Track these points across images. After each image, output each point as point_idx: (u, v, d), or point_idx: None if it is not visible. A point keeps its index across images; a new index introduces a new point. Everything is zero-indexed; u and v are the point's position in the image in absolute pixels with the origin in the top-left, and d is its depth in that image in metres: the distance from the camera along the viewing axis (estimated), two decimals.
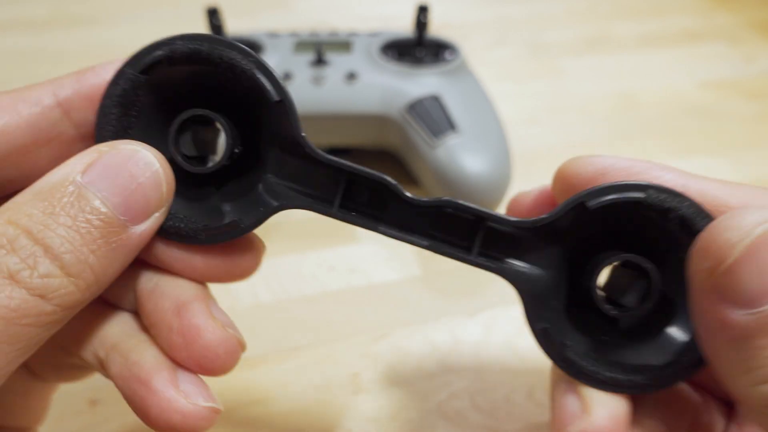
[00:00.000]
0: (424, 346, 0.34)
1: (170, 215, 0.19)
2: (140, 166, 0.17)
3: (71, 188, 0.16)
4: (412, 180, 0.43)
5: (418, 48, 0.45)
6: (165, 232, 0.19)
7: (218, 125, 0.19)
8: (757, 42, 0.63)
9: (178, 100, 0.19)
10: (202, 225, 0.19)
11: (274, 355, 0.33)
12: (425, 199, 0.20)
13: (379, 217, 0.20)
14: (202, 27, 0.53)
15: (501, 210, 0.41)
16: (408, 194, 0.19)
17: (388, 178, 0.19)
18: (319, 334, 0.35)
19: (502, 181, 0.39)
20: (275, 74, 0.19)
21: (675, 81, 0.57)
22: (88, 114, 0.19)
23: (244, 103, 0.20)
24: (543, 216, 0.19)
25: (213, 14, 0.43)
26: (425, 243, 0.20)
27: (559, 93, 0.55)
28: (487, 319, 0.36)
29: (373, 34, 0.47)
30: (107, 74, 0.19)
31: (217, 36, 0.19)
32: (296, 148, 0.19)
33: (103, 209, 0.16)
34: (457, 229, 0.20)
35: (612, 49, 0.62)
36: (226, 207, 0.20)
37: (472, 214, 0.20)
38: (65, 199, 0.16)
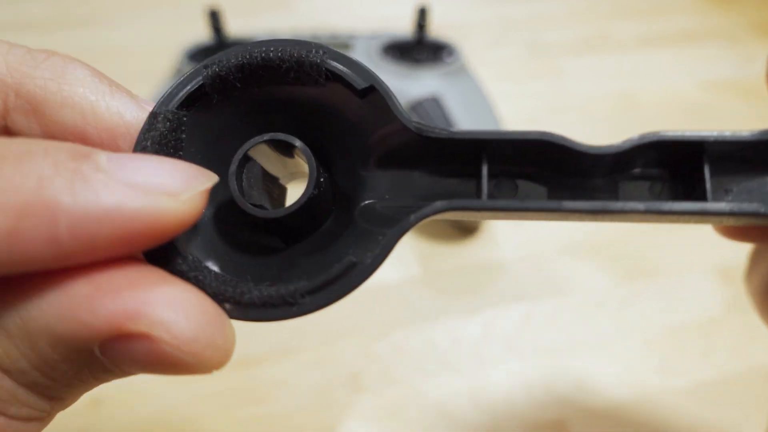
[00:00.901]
0: (423, 346, 0.34)
1: (237, 280, 0.14)
2: None
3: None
4: None
5: (418, 49, 0.45)
6: (244, 309, 0.14)
7: (296, 151, 0.15)
8: (757, 42, 0.63)
9: (233, 133, 0.16)
10: (300, 284, 0.14)
11: (275, 355, 0.33)
12: (611, 144, 0.15)
13: (554, 191, 0.15)
14: (202, 27, 0.53)
15: None
16: (584, 145, 0.15)
17: (550, 133, 0.15)
18: (319, 333, 0.35)
19: None
20: (354, 59, 0.15)
21: (675, 81, 0.57)
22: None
23: (317, 118, 0.16)
24: None
25: (214, 16, 0.43)
26: (641, 207, 0.14)
27: (559, 93, 0.55)
28: (486, 318, 0.36)
29: (373, 36, 0.47)
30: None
31: (265, 39, 0.15)
32: (405, 141, 0.15)
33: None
34: (667, 180, 0.15)
35: (612, 49, 0.62)
36: (317, 255, 0.16)
37: (689, 143, 0.15)
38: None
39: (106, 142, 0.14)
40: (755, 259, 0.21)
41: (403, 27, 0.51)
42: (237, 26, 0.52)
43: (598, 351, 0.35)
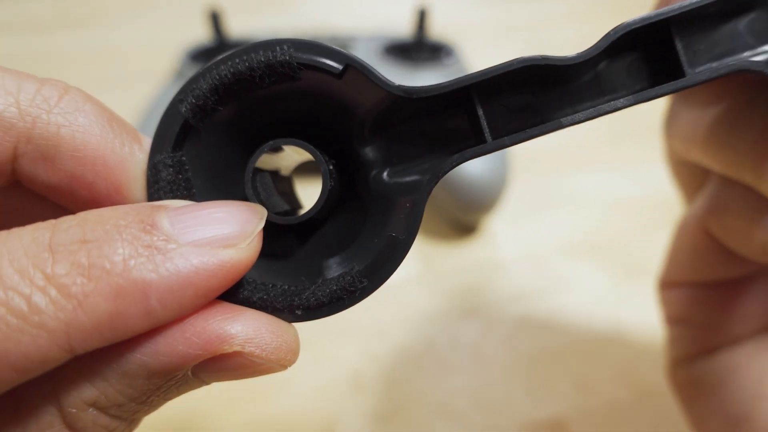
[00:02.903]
0: (423, 345, 0.35)
1: (295, 285, 0.15)
2: None
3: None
4: None
5: (418, 50, 0.46)
6: (314, 311, 0.15)
7: (295, 149, 0.16)
8: None
9: (231, 149, 0.16)
10: (354, 270, 0.15)
11: None
12: (589, 48, 0.15)
13: (552, 110, 0.16)
14: (203, 27, 0.53)
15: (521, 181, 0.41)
16: (565, 57, 0.15)
17: (528, 57, 0.15)
18: (319, 332, 0.35)
19: (500, 181, 0.39)
20: (323, 44, 0.15)
21: None
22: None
23: (303, 106, 0.16)
24: None
25: (215, 17, 0.43)
26: (631, 100, 0.15)
27: None
28: (486, 318, 0.36)
29: (373, 37, 0.47)
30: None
31: (227, 52, 0.15)
32: (395, 106, 0.16)
33: None
34: (641, 58, 0.16)
35: None
36: (339, 244, 0.17)
37: (652, 24, 0.15)
38: None
39: (113, 194, 0.15)
40: (680, 104, 0.21)
41: (403, 28, 0.51)
42: (237, 26, 0.52)
43: (598, 350, 0.35)
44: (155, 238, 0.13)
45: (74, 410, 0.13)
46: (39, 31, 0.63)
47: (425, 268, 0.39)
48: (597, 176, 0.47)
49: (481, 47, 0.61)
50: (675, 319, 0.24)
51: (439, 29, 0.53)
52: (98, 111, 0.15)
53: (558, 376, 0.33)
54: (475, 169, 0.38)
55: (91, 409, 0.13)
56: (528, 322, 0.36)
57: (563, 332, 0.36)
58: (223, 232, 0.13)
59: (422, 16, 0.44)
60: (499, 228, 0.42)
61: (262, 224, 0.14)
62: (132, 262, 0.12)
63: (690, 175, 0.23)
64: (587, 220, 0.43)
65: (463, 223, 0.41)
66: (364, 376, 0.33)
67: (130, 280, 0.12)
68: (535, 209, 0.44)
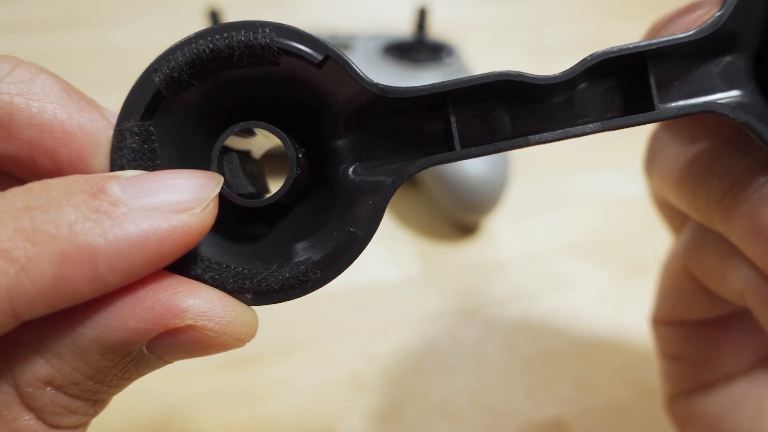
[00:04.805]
0: (423, 345, 0.34)
1: (248, 269, 0.15)
2: None
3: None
4: (409, 181, 0.44)
5: (418, 50, 0.46)
6: (264, 296, 0.15)
7: (264, 133, 0.16)
8: None
9: (201, 124, 0.16)
10: (309, 261, 0.15)
11: (274, 354, 0.33)
12: (565, 70, 0.15)
13: (523, 125, 0.16)
14: (202, 27, 0.53)
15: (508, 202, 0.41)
16: (540, 77, 0.15)
17: (505, 71, 0.15)
18: (319, 332, 0.35)
19: (500, 181, 0.39)
20: (305, 32, 0.15)
21: None
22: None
23: (279, 91, 0.16)
24: (713, 18, 0.15)
25: (214, 17, 0.43)
26: (599, 126, 0.16)
27: None
28: (485, 318, 0.36)
29: (373, 36, 0.47)
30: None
31: (210, 27, 0.15)
32: (371, 103, 0.16)
33: None
34: (616, 87, 0.16)
35: None
36: (302, 232, 0.17)
37: (629, 55, 0.15)
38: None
39: (75, 162, 0.15)
40: (659, 145, 0.22)
41: (403, 27, 0.51)
42: None
43: (598, 350, 0.35)
44: (104, 203, 0.12)
45: (30, 389, 0.13)
46: (39, 31, 0.63)
47: (425, 268, 0.39)
48: (597, 175, 0.47)
49: (481, 47, 0.61)
50: (668, 356, 0.24)
51: (439, 29, 0.53)
52: (53, 80, 0.14)
53: (558, 376, 0.33)
54: (475, 169, 0.38)
55: (48, 388, 0.13)
56: (528, 322, 0.36)
57: (563, 332, 0.36)
58: (175, 198, 0.13)
59: (422, 16, 0.44)
60: (499, 228, 0.42)
61: (217, 191, 0.14)
62: (79, 227, 0.12)
63: (673, 213, 0.23)
64: (587, 220, 0.43)
65: (463, 223, 0.41)
66: (363, 376, 0.33)
67: (76, 245, 0.12)
68: (535, 209, 0.44)
